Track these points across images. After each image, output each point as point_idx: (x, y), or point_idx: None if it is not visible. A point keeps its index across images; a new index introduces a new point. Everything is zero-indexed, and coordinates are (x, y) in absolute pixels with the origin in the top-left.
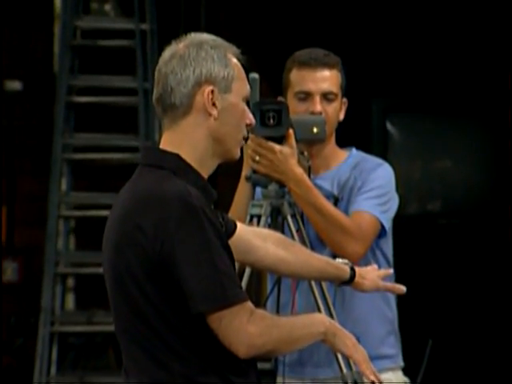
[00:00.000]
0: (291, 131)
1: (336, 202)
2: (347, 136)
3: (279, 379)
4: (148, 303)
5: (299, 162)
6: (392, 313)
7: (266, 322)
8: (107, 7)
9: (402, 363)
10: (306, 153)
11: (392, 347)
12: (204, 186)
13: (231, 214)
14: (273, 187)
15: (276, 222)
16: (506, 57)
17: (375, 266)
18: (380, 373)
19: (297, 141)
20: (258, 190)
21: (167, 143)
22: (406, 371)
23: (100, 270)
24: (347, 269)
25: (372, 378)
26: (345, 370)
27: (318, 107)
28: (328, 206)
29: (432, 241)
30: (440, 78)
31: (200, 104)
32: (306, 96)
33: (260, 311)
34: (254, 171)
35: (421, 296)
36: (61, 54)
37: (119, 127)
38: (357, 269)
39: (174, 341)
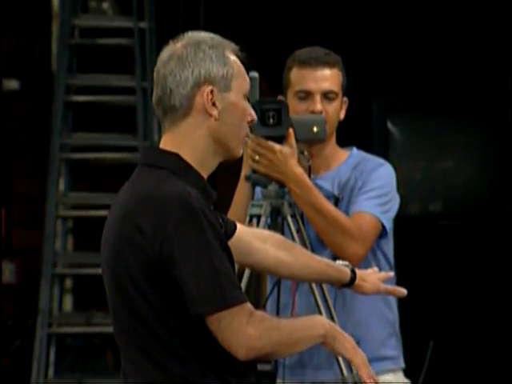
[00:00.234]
0: (291, 131)
1: (336, 202)
2: (348, 136)
3: (279, 381)
4: (147, 304)
5: (299, 161)
6: (393, 314)
7: (265, 324)
8: (105, 6)
9: (403, 365)
10: (306, 152)
11: (393, 349)
12: (204, 187)
13: (230, 214)
14: (273, 187)
15: (276, 222)
16: (506, 57)
17: (376, 269)
18: (381, 374)
19: (297, 140)
20: (258, 189)
21: (167, 143)
22: (408, 373)
23: (98, 270)
24: (348, 271)
25: (368, 381)
26: (345, 372)
27: (319, 106)
28: (328, 206)
29: (433, 241)
30: (441, 78)
31: (200, 105)
32: (307, 95)
33: (259, 313)
34: (254, 171)
35: (422, 297)
36: (59, 53)
37: (117, 127)
38: (357, 271)
39: (173, 342)
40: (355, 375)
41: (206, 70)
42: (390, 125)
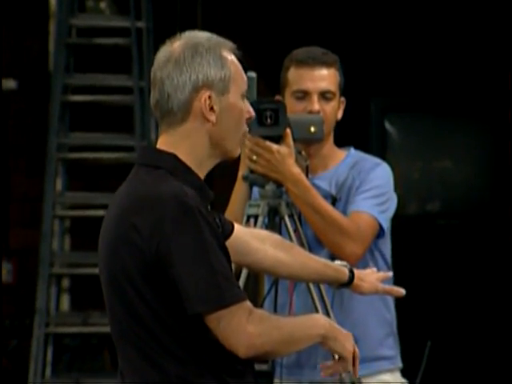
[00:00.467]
0: (289, 131)
1: (334, 202)
2: (345, 135)
3: (277, 381)
4: (143, 304)
5: (297, 161)
6: (390, 314)
7: (265, 322)
8: (102, 5)
9: (400, 364)
10: (303, 152)
11: (390, 349)
12: (201, 187)
13: (228, 214)
14: (270, 187)
15: (273, 222)
16: (506, 57)
17: (374, 269)
18: (378, 374)
19: (294, 140)
20: (255, 189)
21: (164, 144)
22: (405, 372)
23: (96, 270)
24: (346, 271)
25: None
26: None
27: (316, 106)
28: (326, 206)
29: (431, 241)
30: (439, 78)
31: (198, 110)
32: (304, 95)
33: (259, 311)
34: (252, 171)
35: (420, 297)
36: (56, 53)
37: (115, 126)
38: (356, 271)
39: (170, 342)
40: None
41: (203, 74)
42: (387, 125)
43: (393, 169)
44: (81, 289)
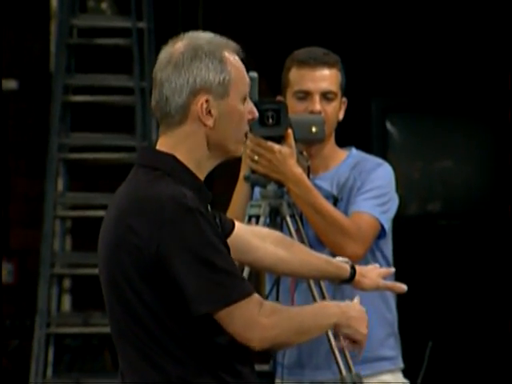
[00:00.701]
0: (290, 131)
1: (335, 202)
2: (347, 136)
3: (278, 381)
4: (142, 305)
5: (298, 161)
6: (391, 315)
7: (277, 313)
8: (104, 5)
9: (401, 365)
10: (305, 153)
11: (392, 349)
12: (199, 188)
13: (229, 215)
14: (271, 187)
15: (275, 222)
16: (506, 57)
17: (376, 265)
18: (379, 375)
19: (296, 140)
20: (257, 190)
21: (163, 146)
22: (406, 373)
23: (97, 271)
24: (347, 267)
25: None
26: (344, 372)
27: (318, 106)
28: (327, 206)
29: (432, 242)
30: (440, 78)
31: (195, 113)
32: (306, 95)
33: (269, 303)
34: (253, 171)
35: (421, 297)
36: (57, 53)
37: (116, 127)
38: (357, 267)
39: (169, 342)
40: (354, 375)
41: (201, 78)
42: (388, 125)
43: (394, 169)
44: (82, 289)
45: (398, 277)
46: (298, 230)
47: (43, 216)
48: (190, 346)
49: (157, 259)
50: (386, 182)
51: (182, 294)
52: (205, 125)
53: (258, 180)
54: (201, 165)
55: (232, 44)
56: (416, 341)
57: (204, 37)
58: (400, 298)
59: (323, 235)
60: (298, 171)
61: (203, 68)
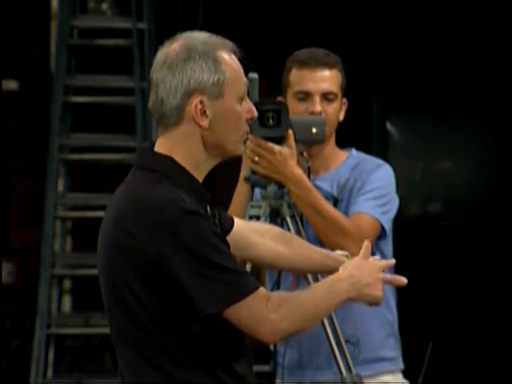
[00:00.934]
0: (290, 132)
1: (336, 203)
2: (347, 136)
3: (278, 381)
4: (140, 307)
5: (299, 162)
6: (392, 315)
7: (285, 304)
8: (104, 6)
9: (402, 366)
10: (305, 153)
11: (392, 350)
12: (197, 189)
13: None
14: (272, 188)
15: (275, 223)
16: (506, 57)
17: (377, 257)
18: (380, 375)
19: (296, 141)
20: (257, 190)
21: (161, 147)
22: (407, 374)
23: (97, 271)
24: (346, 261)
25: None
26: (344, 372)
27: (318, 107)
28: (328, 207)
29: (432, 242)
30: (440, 79)
31: (190, 114)
32: (306, 96)
33: (276, 294)
34: (253, 172)
35: (421, 298)
36: (57, 54)
37: (116, 127)
38: None
39: (167, 344)
40: (354, 376)
41: (195, 79)
42: (389, 125)
43: (394, 170)
44: (82, 290)
45: None
46: (298, 231)
47: (44, 216)
48: (188, 346)
49: (156, 262)
50: (386, 183)
51: (183, 296)
52: (200, 126)
53: (258, 181)
54: (199, 166)
55: (228, 43)
56: (416, 341)
57: (199, 37)
58: (400, 298)
59: (323, 236)
60: (299, 172)
61: (197, 69)
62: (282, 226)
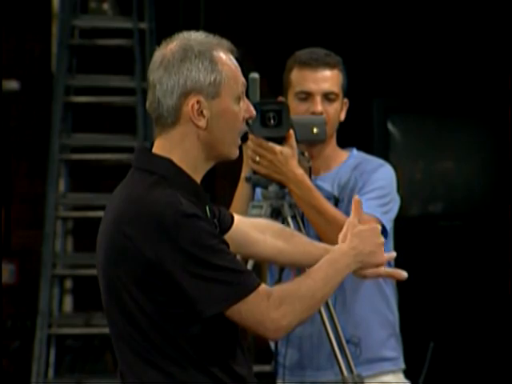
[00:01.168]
0: (292, 132)
1: (336, 202)
2: (348, 136)
3: (279, 382)
4: (139, 309)
5: (300, 162)
6: (393, 315)
7: (286, 300)
8: (105, 6)
9: (403, 366)
10: (306, 153)
11: (393, 350)
12: (196, 190)
13: None
14: (273, 188)
15: None
16: (506, 57)
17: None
18: (381, 375)
19: (297, 141)
20: (258, 190)
21: (159, 148)
22: (408, 374)
23: None
24: None
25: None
26: (345, 372)
27: (319, 107)
28: (329, 207)
29: (433, 243)
30: (441, 79)
31: (187, 115)
32: (307, 96)
33: (276, 290)
34: (254, 172)
35: (422, 298)
36: (58, 54)
37: (117, 127)
38: None
39: (165, 345)
40: (355, 376)
41: (191, 79)
42: (390, 125)
43: (395, 169)
44: (83, 290)
45: None
46: (299, 231)
47: (44, 217)
48: (188, 348)
49: (155, 265)
50: (387, 183)
51: (183, 299)
52: (197, 126)
53: (259, 181)
54: (197, 167)
55: (225, 43)
56: (417, 342)
57: (195, 37)
58: (401, 298)
59: (324, 236)
60: (300, 172)
61: (193, 69)
62: None
